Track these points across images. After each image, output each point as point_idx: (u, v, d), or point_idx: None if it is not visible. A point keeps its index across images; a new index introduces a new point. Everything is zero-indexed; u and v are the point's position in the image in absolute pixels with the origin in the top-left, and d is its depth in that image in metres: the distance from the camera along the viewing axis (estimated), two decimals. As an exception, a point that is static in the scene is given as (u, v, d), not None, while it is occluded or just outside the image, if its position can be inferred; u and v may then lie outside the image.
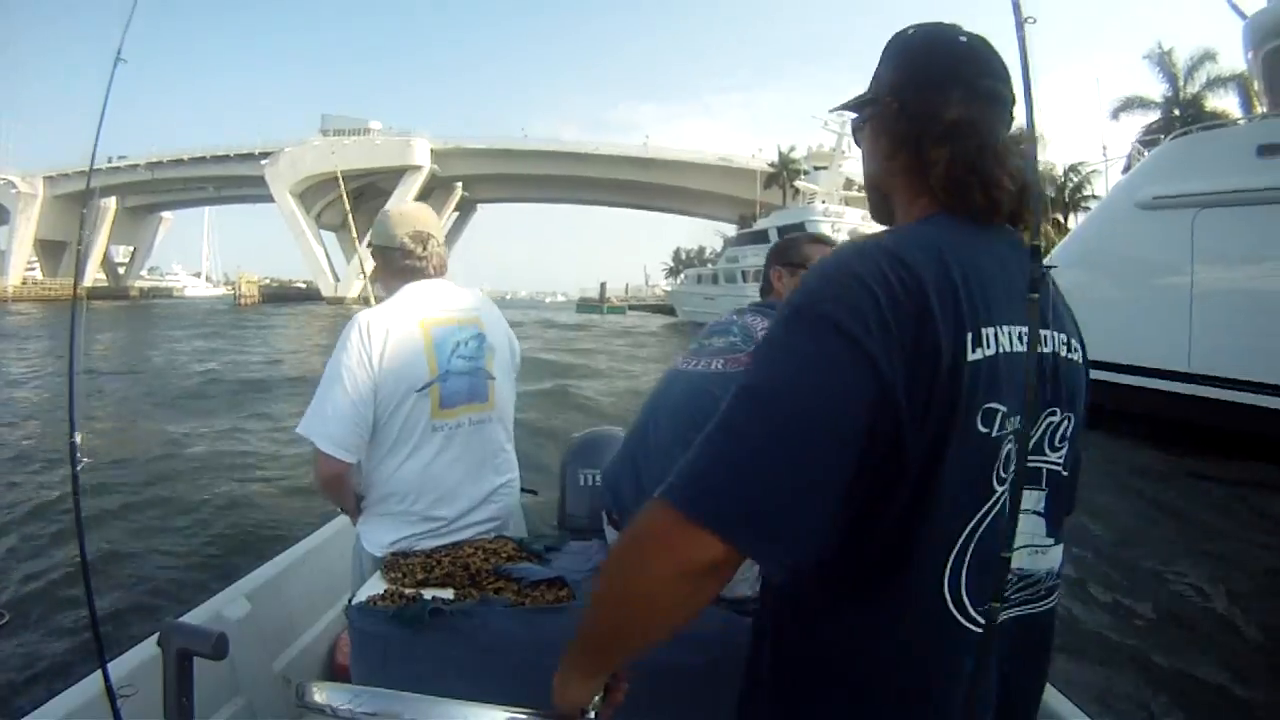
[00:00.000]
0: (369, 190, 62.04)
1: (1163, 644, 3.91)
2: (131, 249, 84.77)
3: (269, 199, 65.67)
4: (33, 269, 72.67)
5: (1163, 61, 27.26)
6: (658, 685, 0.88)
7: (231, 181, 72.75)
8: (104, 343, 21.85)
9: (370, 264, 1.96)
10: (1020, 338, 0.74)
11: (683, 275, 56.71)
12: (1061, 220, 28.70)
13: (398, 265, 1.80)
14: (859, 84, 0.92)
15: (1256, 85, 14.16)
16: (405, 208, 1.86)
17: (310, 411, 1.63)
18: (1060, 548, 0.84)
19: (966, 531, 0.72)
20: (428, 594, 1.40)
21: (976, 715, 0.77)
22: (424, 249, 1.79)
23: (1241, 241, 9.31)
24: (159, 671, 0.94)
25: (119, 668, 1.45)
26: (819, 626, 0.77)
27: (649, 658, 0.82)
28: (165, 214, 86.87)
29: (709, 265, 49.88)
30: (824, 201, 36.16)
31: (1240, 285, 9.45)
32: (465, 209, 77.56)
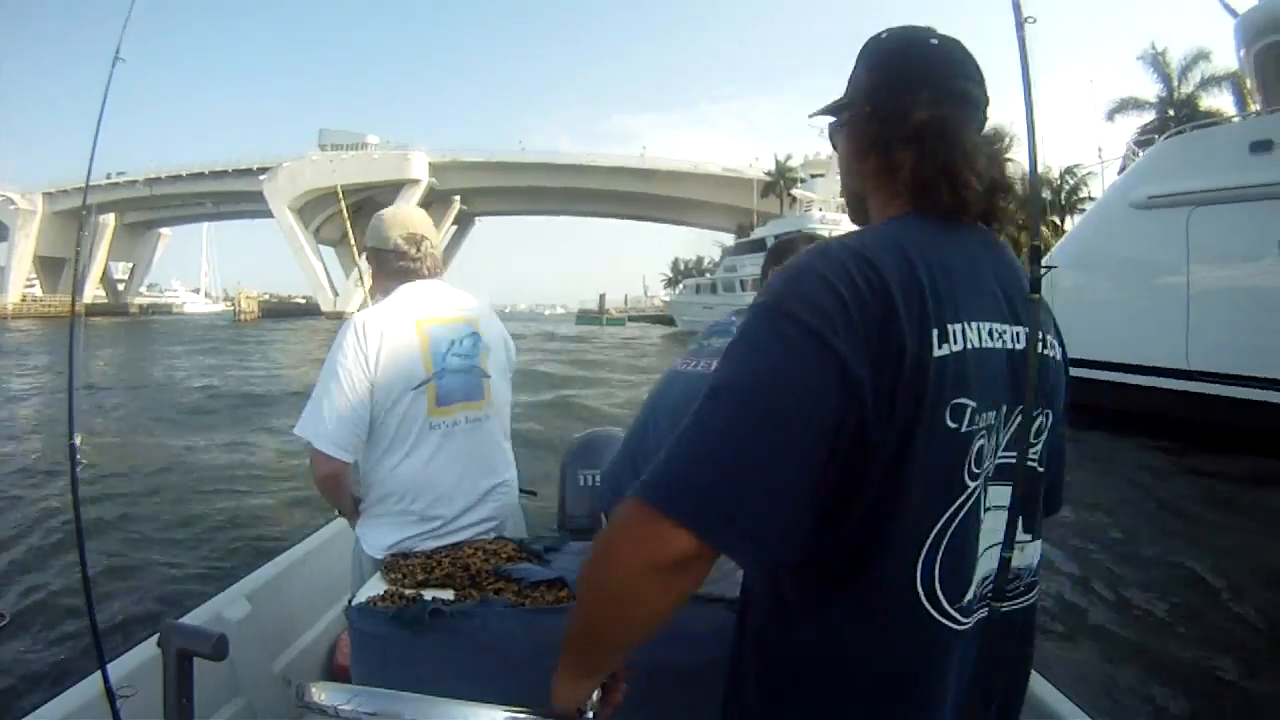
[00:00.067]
0: (367, 204, 62.00)
1: (1163, 636, 3.92)
2: (130, 265, 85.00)
3: (268, 214, 65.84)
4: (32, 286, 72.87)
5: (1156, 62, 27.43)
6: (656, 685, 0.88)
7: (230, 197, 72.95)
8: (104, 359, 21.88)
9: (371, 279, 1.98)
10: (991, 334, 0.75)
11: (681, 286, 56.90)
12: (1058, 222, 28.77)
13: (392, 267, 1.82)
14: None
15: (1249, 83, 14.25)
16: (399, 210, 1.88)
17: (307, 412, 1.64)
18: (1038, 544, 0.84)
19: (938, 527, 0.72)
20: (428, 595, 1.39)
21: (958, 712, 0.77)
22: (418, 250, 1.81)
23: (1236, 238, 9.37)
24: (159, 672, 0.94)
25: (119, 668, 1.45)
26: (796, 625, 0.77)
27: (647, 658, 0.82)
28: (164, 230, 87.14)
29: (707, 275, 50.04)
30: (821, 209, 36.32)
31: (1236, 282, 9.51)
32: (463, 222, 77.71)
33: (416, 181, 62.45)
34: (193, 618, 1.78)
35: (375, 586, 1.46)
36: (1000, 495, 0.78)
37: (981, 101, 0.84)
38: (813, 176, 44.03)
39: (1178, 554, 5.22)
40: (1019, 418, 0.78)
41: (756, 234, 39.23)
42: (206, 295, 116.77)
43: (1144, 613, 4.26)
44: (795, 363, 0.67)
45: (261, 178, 64.87)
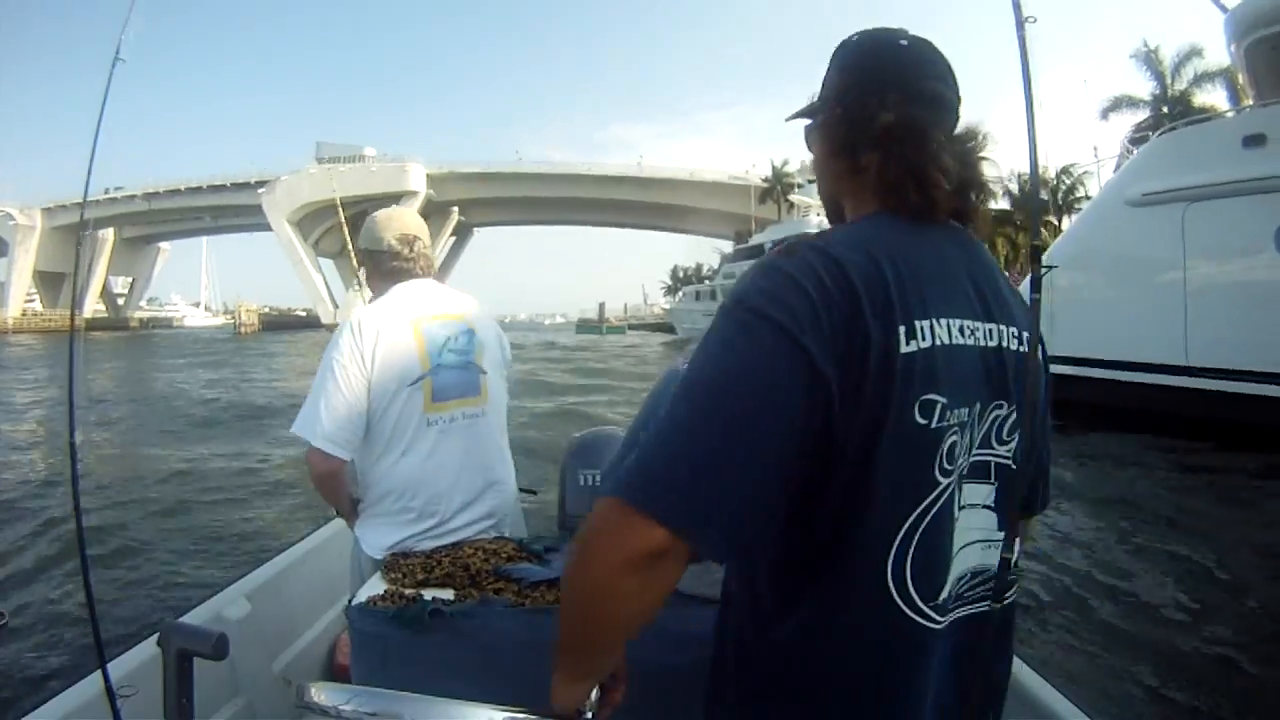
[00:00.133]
0: (365, 217, 62.10)
1: (1162, 629, 3.91)
2: (130, 280, 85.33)
3: (266, 227, 66.07)
4: (32, 300, 73.13)
5: (1149, 60, 27.50)
6: (656, 685, 0.88)
7: (228, 211, 73.26)
8: (106, 373, 21.91)
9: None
10: (963, 330, 0.75)
11: (681, 293, 56.88)
12: (1056, 222, 28.83)
13: (386, 267, 1.84)
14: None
15: (1241, 78, 14.32)
16: (392, 212, 1.91)
17: (303, 411, 1.65)
18: (1016, 543, 0.83)
19: (908, 524, 0.72)
20: (428, 594, 1.39)
21: (938, 711, 0.77)
22: (411, 250, 1.84)
23: (1232, 233, 9.39)
24: (159, 672, 0.93)
25: (119, 668, 1.44)
26: (772, 623, 0.77)
27: (647, 658, 0.82)
28: (163, 244, 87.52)
29: (707, 282, 50.04)
30: (819, 214, 36.27)
31: (1233, 276, 9.52)
32: (462, 233, 77.92)
33: (414, 193, 62.61)
34: (193, 617, 1.77)
35: (375, 586, 1.46)
36: (976, 493, 0.78)
37: (952, 101, 0.84)
38: (809, 181, 44.04)
39: (1178, 548, 5.22)
40: (994, 415, 0.78)
41: (755, 240, 39.33)
42: (206, 309, 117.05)
43: (1144, 607, 4.25)
44: (764, 359, 0.68)
45: (260, 191, 65.08)
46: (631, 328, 70.17)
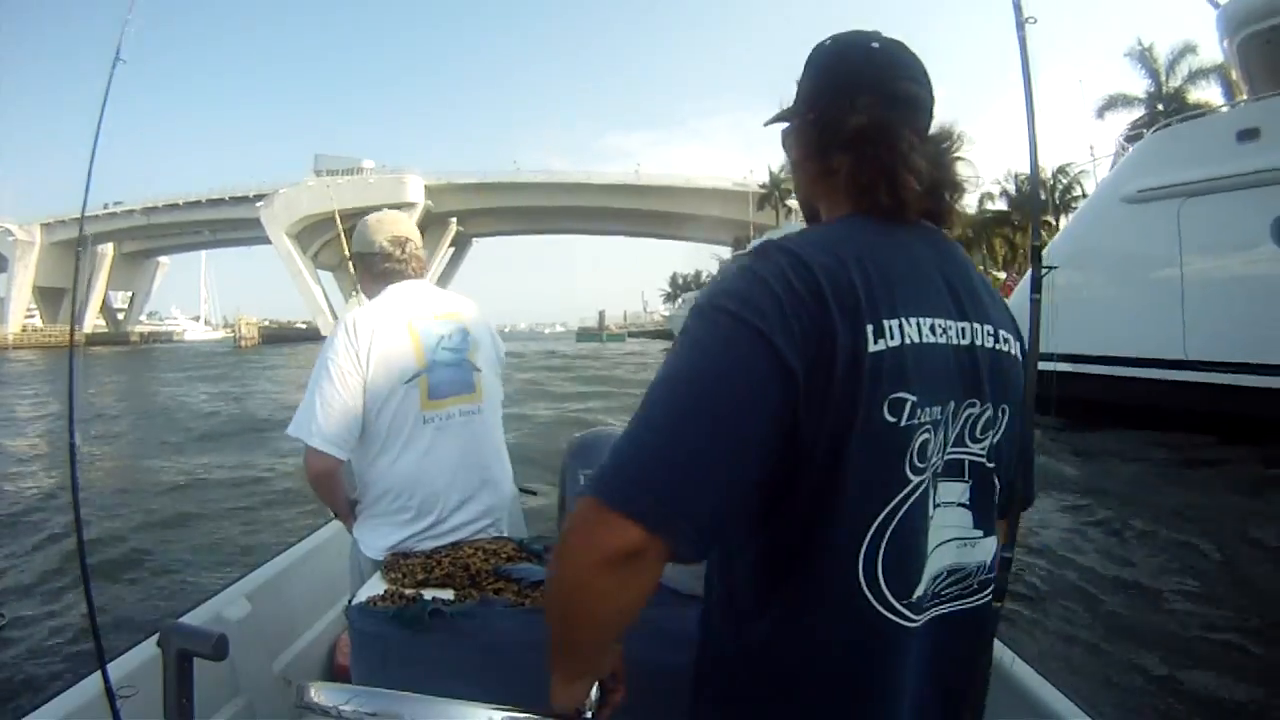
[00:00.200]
0: (363, 226, 62.26)
1: (1166, 621, 3.89)
2: (130, 294, 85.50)
3: (265, 241, 66.23)
4: (32, 316, 73.22)
5: (1144, 58, 27.56)
6: (655, 685, 0.88)
7: (227, 224, 73.41)
8: (107, 387, 21.92)
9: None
10: (934, 329, 0.75)
11: (680, 300, 57.00)
12: (1053, 222, 28.87)
13: (378, 269, 1.85)
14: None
15: (1235, 73, 14.37)
16: (383, 215, 1.92)
17: (299, 412, 1.65)
18: (993, 540, 0.83)
19: (878, 522, 0.72)
20: (428, 595, 1.40)
21: (916, 711, 0.77)
22: (402, 251, 1.85)
23: (1228, 227, 9.42)
24: (159, 672, 0.94)
25: (119, 668, 1.44)
26: (748, 622, 0.77)
27: (645, 658, 0.83)
28: (162, 259, 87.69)
29: (705, 288, 49.95)
30: (816, 217, 36.38)
31: (1230, 270, 9.55)
32: (461, 244, 78.07)
33: (412, 204, 62.70)
34: (193, 618, 1.78)
35: (375, 586, 1.47)
36: (951, 491, 0.78)
37: (926, 101, 0.84)
38: (806, 185, 44.16)
39: (1183, 541, 5.21)
40: (968, 413, 0.78)
41: (753, 246, 39.27)
42: (206, 323, 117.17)
43: (1146, 600, 4.25)
44: (736, 357, 0.68)
45: (258, 205, 65.29)
46: (632, 335, 70.34)
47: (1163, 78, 27.17)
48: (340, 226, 5.86)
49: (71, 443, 1.42)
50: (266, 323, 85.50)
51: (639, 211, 67.21)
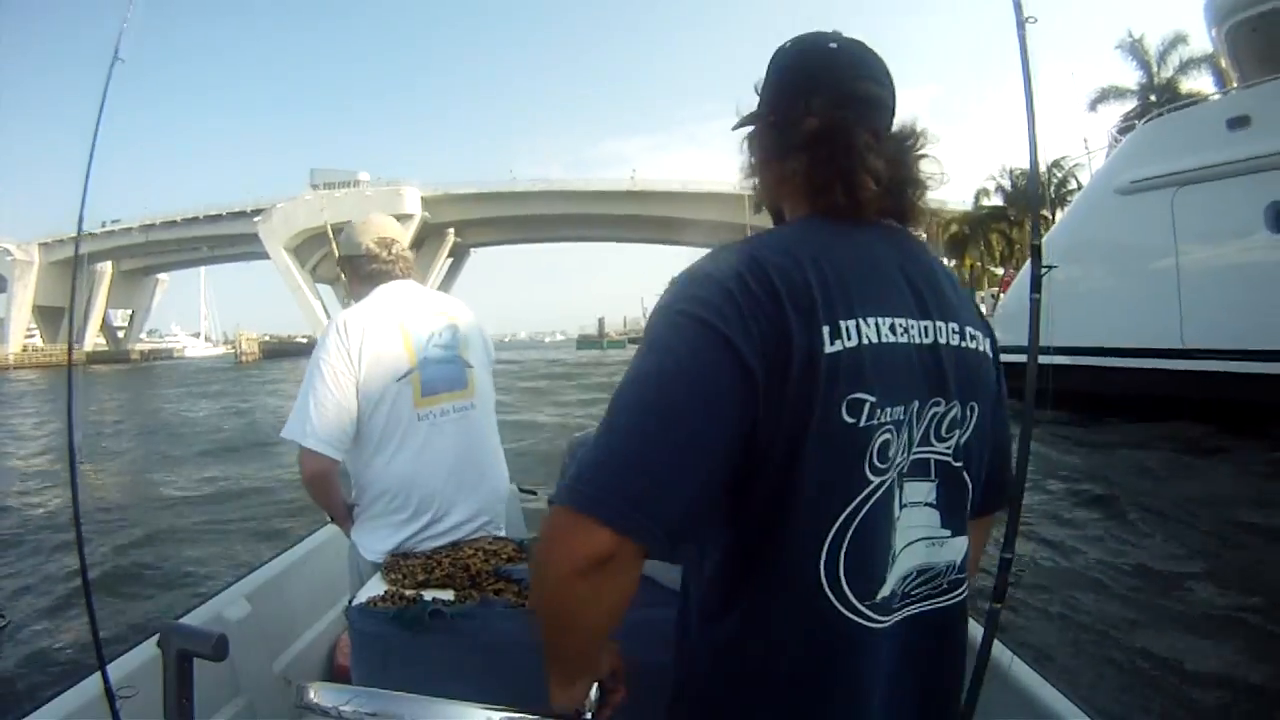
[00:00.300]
0: (361, 239, 62.16)
1: (1167, 613, 3.89)
2: (130, 312, 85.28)
3: (264, 256, 66.10)
4: (32, 336, 73.09)
5: (1135, 49, 27.49)
6: (655, 685, 0.88)
7: (225, 240, 73.25)
8: (108, 404, 21.89)
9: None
10: (894, 329, 0.75)
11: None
12: (1049, 216, 28.87)
13: (365, 270, 1.87)
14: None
15: (1224, 62, 14.40)
16: (369, 218, 1.95)
17: (293, 414, 1.66)
18: (963, 540, 0.83)
19: (839, 523, 0.72)
20: (428, 595, 1.40)
21: (887, 711, 0.77)
22: (389, 252, 1.87)
23: (1222, 214, 9.44)
24: (159, 672, 0.94)
25: (119, 669, 1.45)
26: (714, 624, 0.77)
27: (645, 658, 0.83)
28: (161, 276, 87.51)
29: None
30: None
31: (1225, 258, 9.56)
32: (459, 254, 77.82)
33: (409, 216, 62.57)
34: (193, 618, 1.78)
35: (375, 587, 1.47)
36: (918, 491, 0.78)
37: (885, 100, 0.84)
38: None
39: (1184, 534, 5.21)
40: (932, 412, 0.78)
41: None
42: (207, 339, 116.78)
43: (1146, 593, 4.23)
44: (696, 358, 0.69)
45: (256, 220, 65.16)
46: (632, 341, 70.02)
47: (1154, 69, 27.12)
48: (331, 236, 5.83)
49: (71, 443, 1.42)
50: (267, 338, 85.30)
51: (636, 217, 67.03)
